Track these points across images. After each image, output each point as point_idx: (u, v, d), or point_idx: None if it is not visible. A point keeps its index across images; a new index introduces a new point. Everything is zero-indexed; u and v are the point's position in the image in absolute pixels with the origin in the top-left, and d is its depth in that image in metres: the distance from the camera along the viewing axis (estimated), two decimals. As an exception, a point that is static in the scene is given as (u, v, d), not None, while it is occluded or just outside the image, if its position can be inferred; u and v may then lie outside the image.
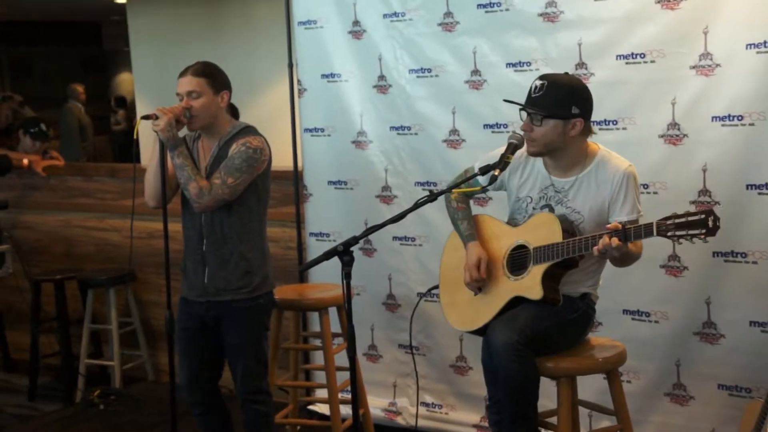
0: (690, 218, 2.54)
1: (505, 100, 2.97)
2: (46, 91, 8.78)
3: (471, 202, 3.66)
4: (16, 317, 5.33)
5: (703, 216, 2.53)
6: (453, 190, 3.02)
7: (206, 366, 3.30)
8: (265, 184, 3.25)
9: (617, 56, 3.43)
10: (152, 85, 8.39)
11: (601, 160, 2.86)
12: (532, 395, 2.87)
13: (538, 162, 2.94)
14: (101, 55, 12.63)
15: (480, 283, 2.97)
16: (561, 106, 2.79)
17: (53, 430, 4.43)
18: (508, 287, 2.93)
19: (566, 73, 2.95)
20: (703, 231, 2.53)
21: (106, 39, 12.51)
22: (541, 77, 2.86)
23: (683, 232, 2.55)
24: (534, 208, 2.94)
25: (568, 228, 2.83)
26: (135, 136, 3.17)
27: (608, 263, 2.93)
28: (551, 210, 2.90)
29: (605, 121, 3.46)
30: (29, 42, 11.60)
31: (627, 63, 3.41)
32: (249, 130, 3.22)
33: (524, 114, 2.85)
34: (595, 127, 2.92)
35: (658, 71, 3.35)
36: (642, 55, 3.38)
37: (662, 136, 3.38)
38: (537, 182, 2.94)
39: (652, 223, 2.60)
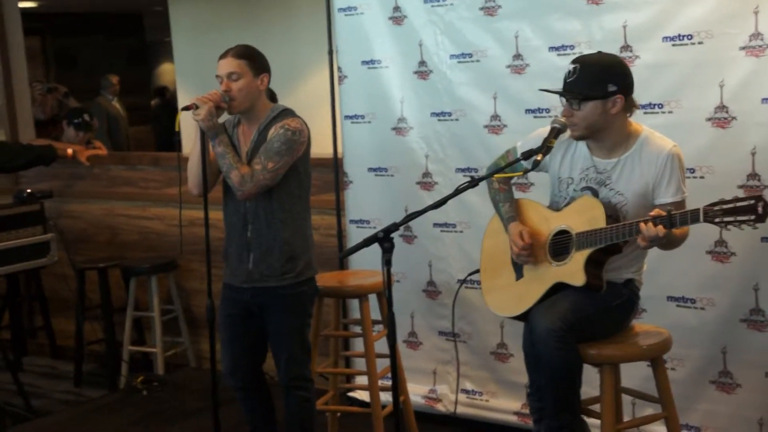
0: (738, 204, 2.48)
1: (541, 90, 2.94)
2: (91, 82, 8.87)
3: (513, 187, 3.64)
4: (61, 305, 5.41)
5: (752, 201, 2.46)
6: (494, 176, 2.99)
7: (249, 351, 3.31)
8: (305, 168, 3.24)
9: (663, 38, 3.36)
10: (193, 74, 8.45)
11: (644, 141, 2.80)
12: (575, 382, 2.84)
13: (581, 142, 2.89)
14: (143, 45, 12.75)
15: (528, 252, 2.92)
16: (596, 86, 2.74)
17: (99, 416, 4.49)
18: (550, 273, 2.89)
19: (599, 52, 2.90)
20: (752, 217, 2.46)
21: (148, 30, 12.62)
22: (574, 60, 2.82)
23: (731, 219, 2.49)
24: (575, 190, 2.90)
25: (612, 213, 2.78)
26: (177, 128, 3.17)
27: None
28: (593, 192, 2.85)
29: (650, 104, 3.40)
30: (74, 34, 11.74)
31: (674, 45, 3.34)
32: (287, 113, 3.21)
33: (564, 100, 2.81)
34: (637, 102, 2.86)
35: (706, 53, 3.28)
36: (689, 37, 3.30)
37: (710, 119, 3.31)
38: (578, 163, 2.90)
39: (698, 210, 2.54)
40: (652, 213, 2.63)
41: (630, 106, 2.82)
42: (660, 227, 2.58)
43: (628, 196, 2.81)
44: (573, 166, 2.91)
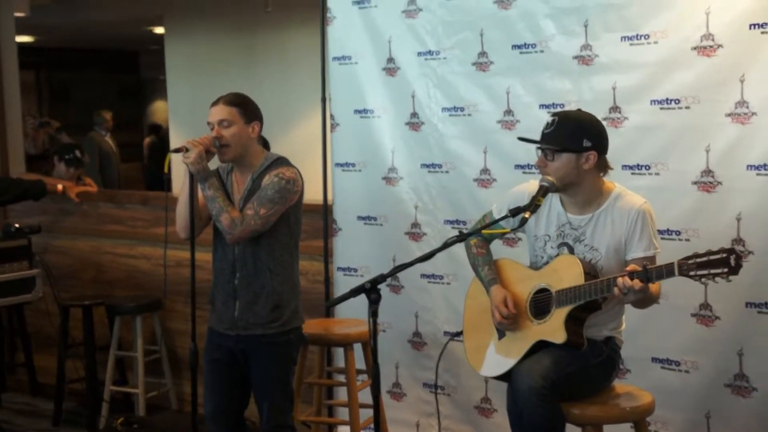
0: (711, 257, 2.53)
1: (520, 138, 3.00)
2: (84, 117, 8.91)
3: (501, 242, 3.66)
4: (43, 341, 5.36)
5: (724, 255, 2.51)
6: (483, 231, 3.02)
7: (232, 397, 3.28)
8: (297, 217, 3.25)
9: (651, 101, 3.41)
10: (186, 113, 8.50)
11: (616, 198, 2.87)
12: (557, 441, 2.83)
13: (555, 200, 2.94)
14: (138, 82, 12.82)
15: (511, 319, 2.94)
16: (572, 139, 2.82)
17: (76, 457, 4.43)
18: (531, 331, 2.91)
19: (579, 110, 2.98)
20: (725, 270, 2.51)
21: (144, 67, 12.71)
22: (553, 114, 2.91)
23: (705, 272, 2.53)
24: (552, 247, 2.94)
25: (590, 270, 2.82)
26: (166, 170, 3.19)
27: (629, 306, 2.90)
28: (569, 248, 2.90)
29: (638, 165, 3.44)
30: (68, 69, 11.80)
31: (661, 108, 3.39)
32: (282, 162, 3.24)
33: (540, 152, 2.88)
34: (611, 163, 2.91)
35: (693, 117, 3.33)
36: (677, 101, 3.36)
37: (696, 183, 3.35)
38: (554, 220, 2.94)
39: (673, 263, 2.58)
40: (628, 268, 2.68)
41: (604, 166, 2.88)
42: (636, 281, 2.62)
43: (602, 252, 2.86)
44: (549, 223, 2.95)
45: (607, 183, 2.91)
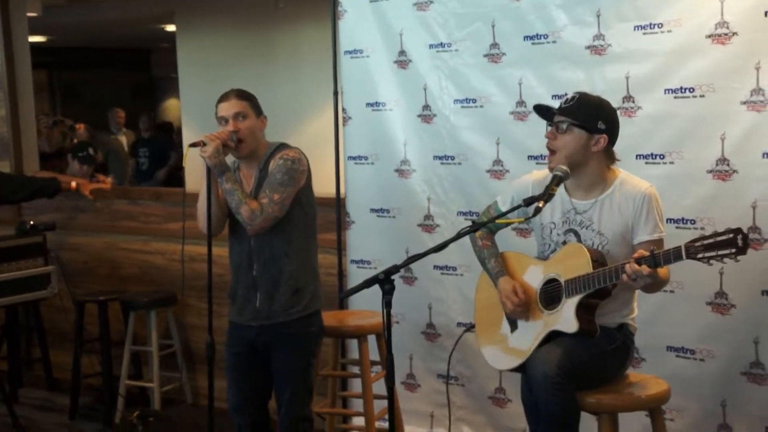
0: (718, 238, 2.52)
1: (536, 107, 3.00)
2: (96, 116, 8.96)
3: (514, 234, 3.66)
4: (59, 337, 5.39)
5: (731, 235, 2.50)
6: (498, 221, 3.01)
7: (256, 390, 3.31)
8: (308, 198, 3.27)
9: (665, 90, 3.40)
10: (198, 110, 8.51)
11: (621, 183, 2.87)
12: (572, 429, 2.83)
13: (560, 187, 2.93)
14: (150, 81, 12.87)
15: (523, 307, 2.94)
16: (588, 117, 2.83)
17: (92, 451, 4.46)
18: (543, 322, 2.91)
19: (599, 96, 2.99)
20: (733, 250, 2.50)
21: (155, 65, 12.76)
22: (575, 92, 2.92)
23: (713, 253, 2.53)
24: (558, 234, 2.94)
25: (598, 258, 2.82)
26: (183, 164, 3.23)
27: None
28: (576, 234, 2.89)
29: (652, 155, 3.43)
30: (80, 68, 11.87)
31: (675, 97, 3.38)
32: (283, 146, 3.27)
33: (550, 127, 2.89)
34: (617, 154, 2.92)
35: (708, 106, 3.31)
36: (691, 90, 3.35)
37: (711, 172, 3.34)
38: (558, 207, 2.94)
39: (680, 247, 2.58)
40: (635, 255, 2.68)
41: (611, 154, 2.89)
42: (644, 266, 2.62)
43: (608, 237, 2.86)
44: (554, 211, 2.95)
45: (612, 169, 2.92)
